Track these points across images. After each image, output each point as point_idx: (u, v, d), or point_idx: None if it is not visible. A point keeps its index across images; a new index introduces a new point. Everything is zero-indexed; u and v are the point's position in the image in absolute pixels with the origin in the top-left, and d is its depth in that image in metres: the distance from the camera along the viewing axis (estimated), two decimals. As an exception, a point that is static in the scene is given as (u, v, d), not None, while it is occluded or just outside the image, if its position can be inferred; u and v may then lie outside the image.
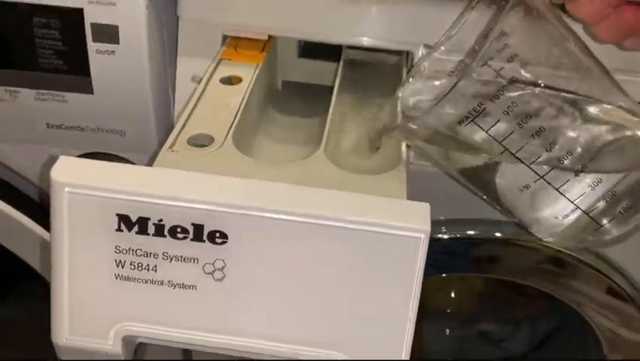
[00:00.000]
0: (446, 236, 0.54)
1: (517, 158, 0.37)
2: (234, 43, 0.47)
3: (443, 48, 0.43)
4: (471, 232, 0.54)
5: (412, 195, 0.47)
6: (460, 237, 0.54)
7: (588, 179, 0.38)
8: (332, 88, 0.53)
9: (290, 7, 0.46)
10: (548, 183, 0.38)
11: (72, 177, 0.29)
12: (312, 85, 0.55)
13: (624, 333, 0.58)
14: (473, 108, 0.35)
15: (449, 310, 0.70)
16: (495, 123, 0.36)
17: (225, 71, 0.43)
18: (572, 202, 0.39)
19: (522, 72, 0.36)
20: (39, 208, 0.52)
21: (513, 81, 0.36)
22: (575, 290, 0.56)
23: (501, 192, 0.41)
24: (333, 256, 0.29)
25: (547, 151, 0.37)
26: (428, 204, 0.29)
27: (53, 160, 0.30)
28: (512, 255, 0.54)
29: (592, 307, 0.57)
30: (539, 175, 0.38)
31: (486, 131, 0.36)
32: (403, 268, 0.28)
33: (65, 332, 0.31)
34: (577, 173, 0.38)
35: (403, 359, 0.29)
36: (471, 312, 0.71)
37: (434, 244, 0.54)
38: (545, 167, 0.38)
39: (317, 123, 0.48)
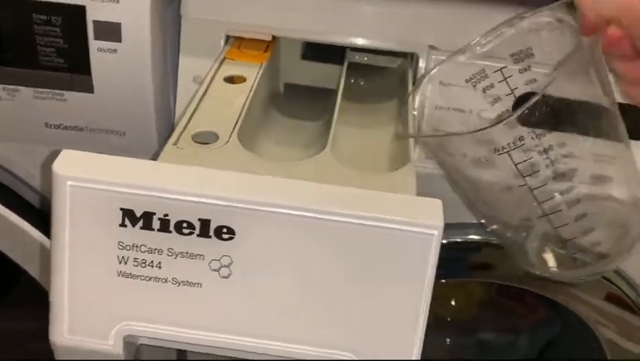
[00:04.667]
0: (444, 241, 0.53)
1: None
2: (237, 43, 0.46)
3: (465, 55, 0.43)
4: (473, 237, 0.53)
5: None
6: (460, 241, 0.53)
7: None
8: (334, 91, 0.53)
9: (294, 7, 0.45)
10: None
11: (75, 170, 0.28)
12: (314, 88, 0.54)
13: (624, 344, 0.57)
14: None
15: (449, 319, 0.69)
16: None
17: (229, 70, 0.43)
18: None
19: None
20: (35, 211, 0.51)
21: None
22: (576, 297, 0.56)
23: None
24: (343, 252, 0.28)
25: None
26: (440, 200, 0.28)
27: (52, 157, 0.29)
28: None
29: (592, 315, 0.56)
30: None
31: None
32: (415, 266, 0.28)
33: (64, 330, 0.30)
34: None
35: (413, 359, 0.28)
36: (471, 321, 0.70)
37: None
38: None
39: (318, 126, 0.48)
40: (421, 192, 0.46)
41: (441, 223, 0.27)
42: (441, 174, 0.46)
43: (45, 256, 0.49)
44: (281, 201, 0.27)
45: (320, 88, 0.54)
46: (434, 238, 0.27)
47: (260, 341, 0.29)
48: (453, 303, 0.68)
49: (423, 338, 0.29)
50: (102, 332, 0.30)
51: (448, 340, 0.70)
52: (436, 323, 0.69)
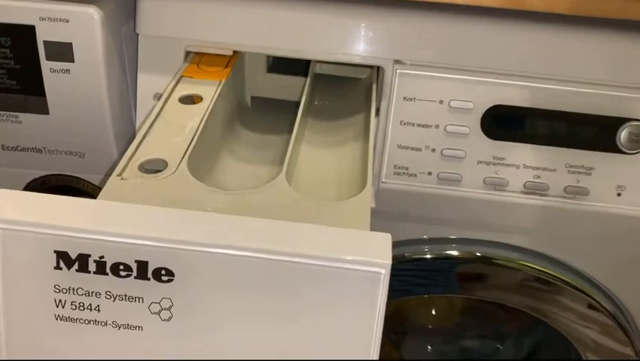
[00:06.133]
0: (429, 256, 0.52)
1: None
2: (197, 59, 0.45)
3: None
4: (454, 253, 0.52)
5: (391, 214, 0.46)
6: (445, 256, 0.52)
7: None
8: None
9: (255, 21, 0.44)
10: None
11: (7, 212, 0.27)
12: (282, 100, 0.53)
13: (605, 342, 0.57)
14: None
15: (430, 327, 0.68)
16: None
17: (185, 89, 0.41)
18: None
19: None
20: None
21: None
22: (561, 306, 0.55)
23: None
24: (287, 291, 0.27)
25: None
26: (389, 234, 0.27)
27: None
28: (497, 274, 0.53)
29: (573, 319, 0.56)
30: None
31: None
32: (364, 304, 0.26)
33: (4, 376, 0.29)
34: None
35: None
36: (453, 328, 0.69)
37: (418, 263, 0.53)
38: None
39: (285, 141, 0.46)
40: (387, 210, 0.45)
41: (389, 261, 0.26)
42: (409, 190, 0.45)
43: None
44: (221, 242, 0.26)
45: (288, 100, 0.52)
46: (382, 277, 0.26)
47: (206, 384, 0.28)
48: (434, 312, 0.67)
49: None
50: (43, 377, 0.28)
51: (429, 347, 0.69)
52: (417, 331, 0.68)
